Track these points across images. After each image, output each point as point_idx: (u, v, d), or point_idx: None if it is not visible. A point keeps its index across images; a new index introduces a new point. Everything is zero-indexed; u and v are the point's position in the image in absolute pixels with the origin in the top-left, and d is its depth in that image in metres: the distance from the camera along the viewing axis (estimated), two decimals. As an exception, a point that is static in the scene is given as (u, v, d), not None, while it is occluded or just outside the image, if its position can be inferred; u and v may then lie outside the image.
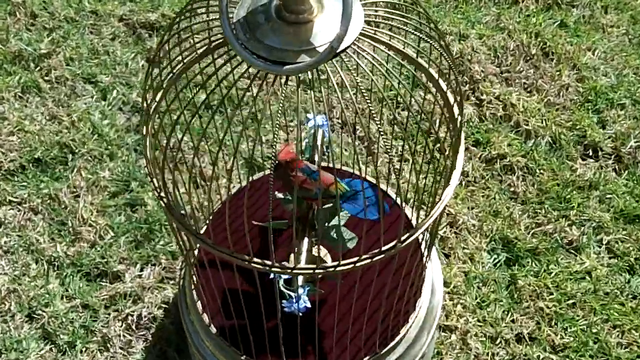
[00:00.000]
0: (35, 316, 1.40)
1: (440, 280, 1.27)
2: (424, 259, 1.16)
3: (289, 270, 0.84)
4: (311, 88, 1.57)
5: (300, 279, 0.98)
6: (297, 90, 0.76)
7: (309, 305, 1.00)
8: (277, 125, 0.77)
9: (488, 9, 1.89)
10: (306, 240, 1.00)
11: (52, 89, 1.73)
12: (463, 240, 1.47)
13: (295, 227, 1.01)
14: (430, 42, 0.83)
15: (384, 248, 0.80)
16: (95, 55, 1.79)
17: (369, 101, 0.76)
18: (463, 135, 0.87)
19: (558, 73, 1.74)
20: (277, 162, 0.95)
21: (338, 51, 0.70)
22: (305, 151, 1.11)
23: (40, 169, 1.59)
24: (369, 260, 0.79)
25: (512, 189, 1.55)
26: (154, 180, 0.86)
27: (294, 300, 0.98)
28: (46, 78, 1.75)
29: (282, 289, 0.98)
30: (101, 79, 1.74)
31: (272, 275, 0.96)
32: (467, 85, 1.72)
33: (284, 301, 0.99)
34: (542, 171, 1.57)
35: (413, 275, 1.08)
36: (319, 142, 1.11)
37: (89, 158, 1.60)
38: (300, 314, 0.99)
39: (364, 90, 0.76)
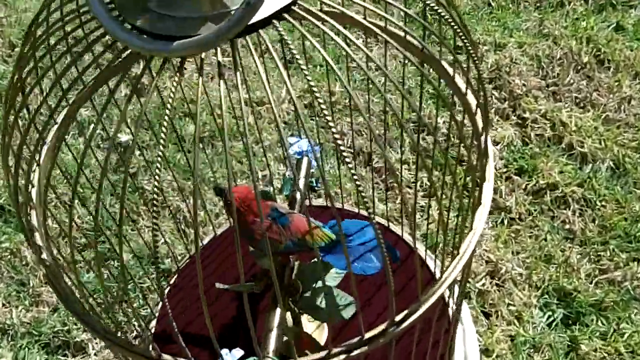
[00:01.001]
0: (-19, 400, 1.15)
1: (475, 348, 0.97)
2: (451, 323, 0.87)
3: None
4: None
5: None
6: (219, 83, 0.49)
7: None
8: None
9: (528, 14, 1.60)
10: (277, 313, 0.72)
11: (24, 126, 1.51)
12: (507, 295, 1.16)
13: (275, 292, 0.74)
14: (438, 14, 0.56)
15: (368, 335, 0.52)
16: (77, 86, 1.57)
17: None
18: (492, 153, 0.59)
19: (617, 84, 1.44)
20: (228, 202, 0.69)
21: (266, 15, 0.43)
22: (284, 187, 0.84)
23: (4, 219, 1.36)
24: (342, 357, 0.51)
25: (567, 227, 1.24)
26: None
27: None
28: (20, 114, 1.53)
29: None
30: (79, 113, 1.51)
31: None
32: (507, 102, 1.43)
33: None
34: (604, 203, 1.26)
35: (442, 347, 0.79)
36: (301, 175, 0.84)
37: (58, 204, 1.36)
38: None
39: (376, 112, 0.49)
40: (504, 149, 1.35)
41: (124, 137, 1.43)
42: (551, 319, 1.14)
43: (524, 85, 1.44)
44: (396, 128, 1.40)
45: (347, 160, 0.47)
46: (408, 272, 0.95)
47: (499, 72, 1.47)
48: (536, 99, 1.42)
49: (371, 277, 0.72)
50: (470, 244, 0.53)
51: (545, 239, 1.22)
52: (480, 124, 0.59)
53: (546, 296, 1.16)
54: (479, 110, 0.60)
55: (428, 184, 1.30)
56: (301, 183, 0.83)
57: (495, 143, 1.36)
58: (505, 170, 1.32)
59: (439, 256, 0.97)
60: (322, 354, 0.52)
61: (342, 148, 0.47)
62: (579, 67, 1.48)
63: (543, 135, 1.37)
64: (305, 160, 0.85)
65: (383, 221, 1.08)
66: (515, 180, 1.30)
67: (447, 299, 0.94)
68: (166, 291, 1.01)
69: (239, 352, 0.65)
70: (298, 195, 0.82)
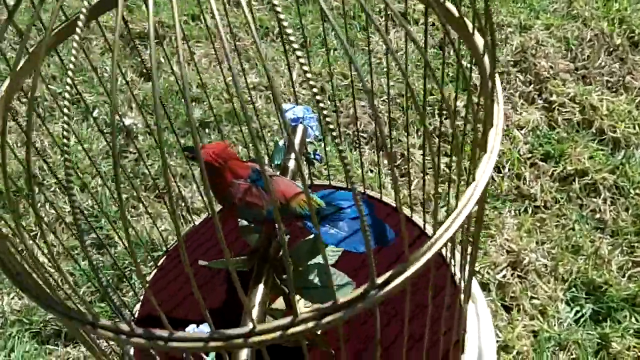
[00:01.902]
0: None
1: (492, 343, 0.88)
2: (459, 299, 0.78)
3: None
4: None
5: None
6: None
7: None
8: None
9: (557, -4, 1.51)
10: (260, 289, 0.64)
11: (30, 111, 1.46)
12: (531, 287, 1.06)
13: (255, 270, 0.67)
14: None
15: (343, 299, 0.44)
16: (81, 73, 1.52)
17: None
18: (501, 97, 0.50)
19: (653, 66, 1.33)
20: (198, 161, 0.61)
21: None
22: (275, 155, 0.76)
23: (1, 204, 1.31)
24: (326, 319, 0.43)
25: (597, 216, 1.14)
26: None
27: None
28: (23, 99, 1.49)
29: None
30: (84, 99, 1.46)
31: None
32: (532, 85, 1.33)
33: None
34: (638, 191, 1.16)
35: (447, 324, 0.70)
36: (296, 142, 0.76)
37: (57, 190, 1.30)
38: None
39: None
40: (529, 134, 1.26)
41: (127, 121, 1.37)
42: (579, 314, 1.04)
43: (551, 67, 1.35)
44: (413, 112, 1.31)
45: (334, 134, 0.39)
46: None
47: (524, 55, 1.38)
48: (564, 82, 1.33)
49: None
50: (472, 196, 0.45)
51: (573, 229, 1.12)
52: (487, 66, 0.50)
53: (574, 289, 1.06)
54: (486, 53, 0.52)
55: (446, 170, 1.21)
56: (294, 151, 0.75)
57: (520, 127, 1.27)
58: (530, 155, 1.22)
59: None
60: (288, 319, 0.43)
61: (327, 119, 0.39)
62: (611, 50, 1.38)
63: (571, 120, 1.27)
64: (300, 127, 0.77)
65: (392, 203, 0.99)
66: (540, 167, 1.20)
67: (453, 269, 0.85)
68: (152, 273, 0.94)
69: (206, 327, 0.57)
70: (291, 164, 0.74)
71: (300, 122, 0.77)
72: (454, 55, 0.61)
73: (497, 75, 0.51)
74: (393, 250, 0.94)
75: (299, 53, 0.40)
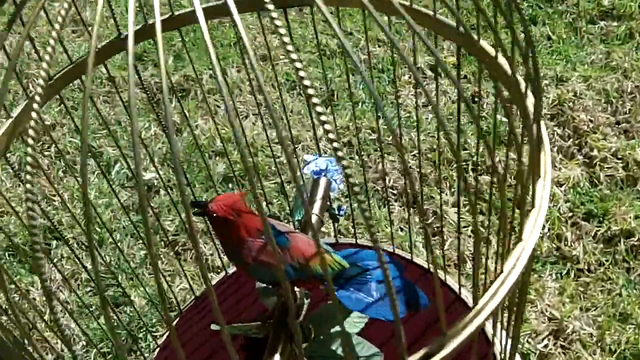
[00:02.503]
0: None
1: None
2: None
3: None
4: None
5: None
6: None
7: None
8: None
9: (593, 47, 1.45)
10: (276, 358, 0.57)
11: (50, 164, 1.44)
12: (575, 359, 0.97)
13: (271, 336, 0.60)
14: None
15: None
16: (104, 126, 1.50)
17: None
18: (547, 144, 0.44)
19: (701, 120, 1.26)
20: (210, 216, 0.55)
21: None
22: (296, 211, 0.70)
23: (18, 259, 1.27)
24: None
25: (646, 281, 1.05)
26: None
27: None
28: (46, 153, 1.47)
29: None
30: (106, 152, 1.43)
31: None
32: (571, 139, 1.26)
33: None
34: (691, 253, 1.07)
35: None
36: (318, 197, 0.70)
37: (76, 245, 1.26)
38: None
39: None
40: (569, 191, 1.18)
41: (148, 175, 1.33)
42: (630, 389, 0.94)
43: (590, 121, 1.28)
44: (445, 167, 1.25)
45: (355, 189, 0.34)
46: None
47: (561, 108, 1.31)
48: (605, 136, 1.26)
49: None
50: (520, 256, 0.38)
51: (620, 294, 1.04)
52: (531, 107, 0.45)
53: (623, 362, 0.97)
54: (529, 91, 0.46)
55: (482, 229, 1.13)
56: (317, 206, 0.69)
57: (560, 184, 1.20)
58: (571, 214, 1.15)
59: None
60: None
61: (348, 171, 0.33)
62: (655, 103, 1.31)
63: (614, 176, 1.19)
64: (323, 180, 0.72)
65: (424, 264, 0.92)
66: (582, 226, 1.13)
67: (494, 349, 0.77)
68: (165, 336, 0.88)
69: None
70: (314, 220, 0.68)
71: (324, 175, 0.72)
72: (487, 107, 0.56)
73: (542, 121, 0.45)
74: (427, 316, 0.86)
75: (318, 109, 0.34)
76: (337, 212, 0.75)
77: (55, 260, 1.24)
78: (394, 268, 0.60)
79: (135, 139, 0.34)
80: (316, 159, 0.72)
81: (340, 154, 0.34)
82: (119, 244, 1.25)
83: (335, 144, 0.34)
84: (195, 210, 0.56)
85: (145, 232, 0.36)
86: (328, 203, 0.75)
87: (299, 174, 0.72)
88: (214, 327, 0.68)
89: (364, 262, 0.58)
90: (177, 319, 0.90)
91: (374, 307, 0.56)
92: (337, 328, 0.66)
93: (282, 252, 0.56)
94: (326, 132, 0.34)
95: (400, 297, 0.57)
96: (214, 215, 0.54)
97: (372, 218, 1.07)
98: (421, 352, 0.37)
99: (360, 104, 1.42)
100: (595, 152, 1.23)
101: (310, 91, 0.34)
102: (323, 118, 0.34)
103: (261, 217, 0.33)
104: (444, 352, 0.37)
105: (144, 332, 1.10)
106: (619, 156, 1.22)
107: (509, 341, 0.54)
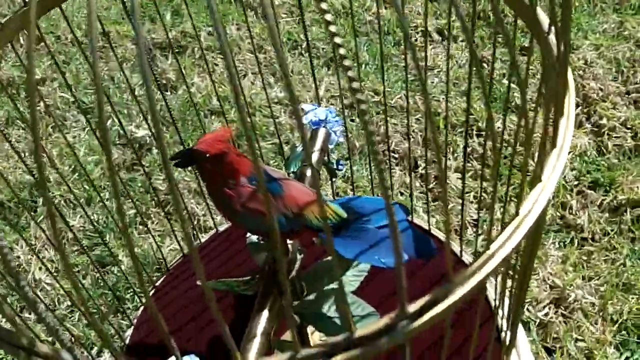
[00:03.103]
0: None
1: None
2: (503, 348, 0.67)
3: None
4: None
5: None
6: None
7: None
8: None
9: (606, 16, 1.40)
10: (262, 318, 0.53)
11: (39, 120, 1.39)
12: (576, 328, 0.94)
13: (260, 291, 0.57)
14: None
15: (361, 333, 0.33)
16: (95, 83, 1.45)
17: None
18: (572, 84, 0.40)
19: None
20: (200, 159, 0.51)
21: None
22: (291, 162, 0.66)
23: (2, 216, 1.23)
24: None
25: (652, 252, 1.02)
26: None
27: None
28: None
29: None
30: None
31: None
32: (580, 107, 1.22)
33: None
34: (699, 226, 1.03)
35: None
36: (316, 149, 0.66)
37: (64, 203, 1.22)
38: None
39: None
40: (576, 159, 1.14)
41: (140, 132, 1.29)
42: (631, 361, 0.91)
43: (600, 89, 1.24)
44: (448, 132, 1.21)
45: (366, 117, 0.29)
46: (443, 269, 0.76)
47: (572, 75, 1.27)
48: (615, 105, 1.22)
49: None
50: (538, 200, 0.34)
51: (624, 264, 1.00)
52: (554, 42, 0.40)
53: (624, 332, 0.94)
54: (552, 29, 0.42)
55: (485, 195, 1.10)
56: (314, 158, 0.65)
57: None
58: (577, 183, 1.11)
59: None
60: (286, 355, 0.33)
61: (359, 97, 0.29)
62: (667, 73, 1.27)
63: (622, 146, 1.15)
64: (322, 131, 0.67)
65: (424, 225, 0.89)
66: (588, 195, 1.09)
67: (495, 313, 0.74)
68: (150, 294, 0.84)
69: (193, 358, 0.47)
70: (309, 172, 0.64)
71: (323, 126, 0.67)
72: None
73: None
74: (430, 275, 0.83)
75: (347, 62, 0.30)
76: (335, 167, 0.71)
77: (41, 218, 1.20)
78: (400, 209, 0.56)
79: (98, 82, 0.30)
80: (315, 108, 0.68)
81: (363, 106, 0.29)
82: (107, 202, 1.21)
83: (359, 95, 0.30)
84: (178, 161, 0.51)
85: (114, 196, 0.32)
86: (326, 158, 0.71)
87: (303, 121, 0.68)
88: (200, 282, 0.64)
89: (362, 208, 0.54)
90: (164, 277, 0.87)
91: (372, 253, 0.52)
92: (332, 285, 0.62)
93: (275, 200, 0.52)
94: (350, 80, 0.29)
95: (406, 240, 0.53)
96: (207, 155, 0.50)
97: (384, 172, 1.03)
98: (425, 299, 0.34)
99: (364, 65, 1.37)
100: (604, 121, 1.18)
101: (342, 50, 0.29)
102: (347, 63, 0.30)
103: (253, 156, 0.29)
104: (448, 300, 0.34)
105: (131, 293, 1.06)
106: (628, 126, 1.18)
107: (510, 309, 0.50)
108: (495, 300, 0.76)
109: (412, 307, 0.34)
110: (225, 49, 0.26)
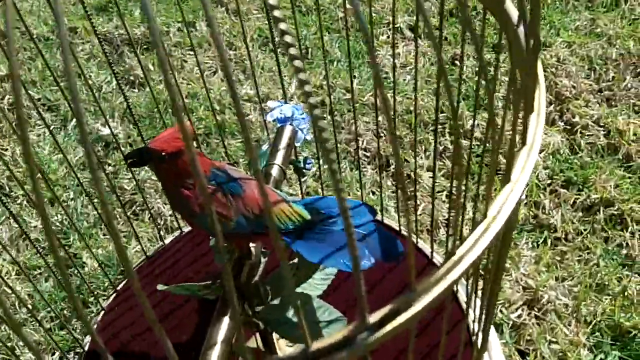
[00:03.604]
0: None
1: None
2: (474, 352, 0.65)
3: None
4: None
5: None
6: None
7: None
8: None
9: (578, 14, 1.40)
10: (223, 324, 0.51)
11: (3, 117, 1.35)
12: (549, 330, 0.93)
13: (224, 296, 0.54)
14: None
15: (317, 346, 0.31)
16: (63, 79, 1.41)
17: None
18: (542, 79, 0.39)
19: (685, 89, 1.22)
20: (157, 158, 0.49)
21: None
22: (261, 158, 0.64)
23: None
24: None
25: (624, 252, 1.01)
26: None
27: None
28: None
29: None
30: (64, 106, 1.35)
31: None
32: (552, 105, 1.21)
33: None
34: (671, 225, 1.03)
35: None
36: (281, 146, 0.64)
37: (26, 203, 1.18)
38: None
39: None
40: (549, 158, 1.13)
41: (105, 130, 1.25)
42: (605, 363, 0.90)
43: (573, 87, 1.23)
44: (421, 130, 1.19)
45: (321, 124, 0.27)
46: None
47: (545, 73, 1.26)
48: (587, 103, 1.21)
49: (366, 275, 0.51)
50: (507, 201, 0.32)
51: (598, 265, 0.99)
52: (523, 40, 0.39)
53: (598, 334, 0.93)
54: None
55: (454, 194, 1.08)
56: (279, 156, 0.63)
57: (539, 151, 1.15)
58: (549, 181, 1.10)
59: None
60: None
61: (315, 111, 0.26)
62: (638, 71, 1.26)
63: (595, 144, 1.15)
64: (288, 128, 0.65)
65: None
66: (561, 194, 1.08)
67: (466, 314, 0.72)
68: (111, 298, 0.81)
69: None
70: (275, 171, 0.62)
71: (289, 123, 0.65)
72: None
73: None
74: (401, 280, 0.81)
75: (292, 51, 0.27)
76: (302, 166, 0.68)
77: (2, 219, 1.16)
78: (366, 211, 0.54)
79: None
80: (281, 105, 0.66)
81: (311, 101, 0.27)
82: (71, 202, 1.17)
83: (311, 100, 0.27)
84: (132, 160, 0.49)
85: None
86: (292, 157, 0.69)
87: (267, 118, 0.65)
88: (160, 287, 0.61)
89: (328, 208, 0.51)
90: (124, 282, 0.84)
91: (338, 256, 0.50)
92: (297, 289, 0.60)
93: (235, 200, 0.50)
94: (301, 83, 0.27)
95: (373, 242, 0.51)
96: (162, 153, 0.47)
97: (340, 175, 1.01)
98: (385, 309, 0.31)
99: (335, 62, 1.35)
100: (576, 119, 1.18)
101: (288, 39, 0.27)
102: (297, 64, 0.27)
103: (188, 150, 0.26)
104: (411, 310, 0.32)
105: (94, 298, 1.03)
106: (601, 124, 1.17)
107: (482, 312, 0.48)
108: (465, 302, 0.75)
109: (373, 318, 0.32)
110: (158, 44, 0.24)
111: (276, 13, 0.27)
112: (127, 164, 0.50)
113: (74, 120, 1.32)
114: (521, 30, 0.40)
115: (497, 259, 0.44)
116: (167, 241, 0.88)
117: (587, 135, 1.16)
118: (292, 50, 0.27)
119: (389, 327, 0.31)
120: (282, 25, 0.28)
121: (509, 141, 0.34)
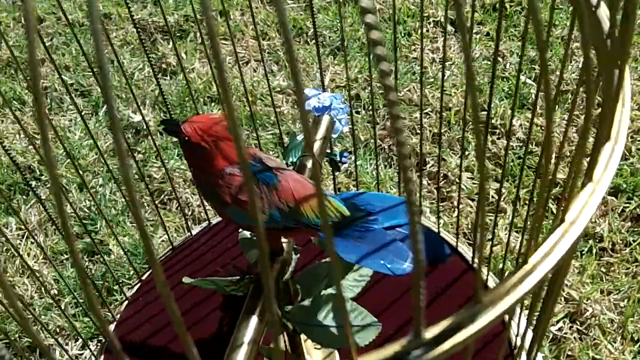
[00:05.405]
0: None
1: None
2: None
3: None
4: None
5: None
6: None
7: None
8: None
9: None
10: (251, 325, 0.47)
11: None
12: (592, 346, 0.88)
13: (249, 294, 0.51)
14: None
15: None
16: (97, 64, 1.39)
17: None
18: (629, 95, 0.34)
19: None
20: (182, 139, 0.45)
21: None
22: (290, 151, 0.60)
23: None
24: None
25: (676, 265, 0.95)
26: None
27: None
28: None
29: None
30: (96, 92, 1.33)
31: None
32: (599, 106, 1.15)
33: None
34: None
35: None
36: (318, 137, 0.60)
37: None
38: None
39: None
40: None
41: (137, 117, 1.23)
42: (652, 383, 0.85)
43: (623, 90, 1.17)
44: (459, 127, 1.15)
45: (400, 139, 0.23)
46: (450, 278, 0.69)
47: (595, 72, 1.20)
48: (639, 105, 1.15)
49: (403, 278, 0.47)
50: (587, 204, 0.28)
51: (647, 278, 0.94)
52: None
53: (645, 352, 0.87)
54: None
55: (495, 196, 1.03)
56: (315, 148, 0.59)
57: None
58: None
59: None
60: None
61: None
62: (695, 75, 1.20)
63: (646, 150, 1.09)
64: (325, 118, 0.61)
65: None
66: (609, 202, 1.02)
67: (509, 332, 0.67)
68: (135, 288, 0.78)
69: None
70: (309, 163, 0.58)
71: (327, 113, 0.61)
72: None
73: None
74: (433, 287, 0.76)
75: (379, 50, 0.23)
76: (338, 159, 0.64)
77: (32, 202, 1.15)
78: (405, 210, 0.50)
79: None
80: (319, 93, 0.62)
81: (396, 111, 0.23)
82: (100, 189, 1.15)
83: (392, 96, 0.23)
84: (165, 127, 0.46)
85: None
86: (328, 150, 0.65)
87: (305, 106, 0.61)
88: (186, 280, 0.58)
89: (368, 205, 0.47)
90: (149, 272, 0.81)
91: (377, 257, 0.46)
92: (329, 290, 0.56)
93: (269, 191, 0.46)
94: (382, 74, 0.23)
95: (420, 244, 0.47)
96: (186, 139, 0.44)
97: (378, 172, 0.96)
98: (446, 322, 0.27)
99: (372, 55, 1.30)
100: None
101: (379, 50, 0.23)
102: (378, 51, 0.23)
103: (236, 141, 0.23)
104: (475, 326, 0.27)
105: (118, 286, 1.00)
106: (653, 129, 1.11)
107: (530, 331, 0.43)
108: (516, 336, 0.70)
109: (429, 333, 0.27)
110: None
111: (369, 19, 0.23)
112: (162, 128, 0.47)
113: (105, 106, 1.30)
114: (602, 10, 0.35)
115: (556, 276, 0.40)
116: (194, 232, 0.85)
117: (638, 140, 1.10)
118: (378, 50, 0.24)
119: (447, 344, 0.27)
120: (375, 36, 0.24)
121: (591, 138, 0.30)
